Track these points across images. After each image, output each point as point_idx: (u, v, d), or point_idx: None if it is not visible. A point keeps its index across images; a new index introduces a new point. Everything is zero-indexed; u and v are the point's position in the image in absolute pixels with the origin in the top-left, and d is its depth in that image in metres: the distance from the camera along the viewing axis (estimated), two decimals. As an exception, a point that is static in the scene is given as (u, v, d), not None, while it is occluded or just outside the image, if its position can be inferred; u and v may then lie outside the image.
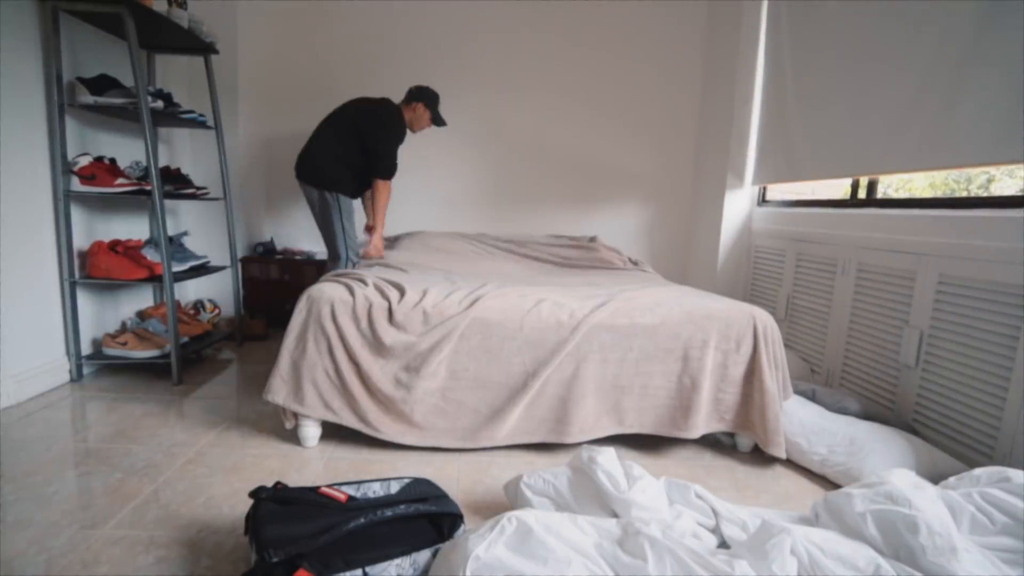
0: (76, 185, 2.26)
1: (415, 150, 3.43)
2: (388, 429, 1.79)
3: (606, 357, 1.84)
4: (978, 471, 1.40)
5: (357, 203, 2.89)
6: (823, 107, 2.52)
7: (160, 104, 2.39)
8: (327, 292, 1.84)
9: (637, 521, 1.19)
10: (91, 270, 2.37)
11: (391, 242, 3.20)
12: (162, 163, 2.83)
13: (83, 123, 2.41)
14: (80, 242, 2.39)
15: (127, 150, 2.65)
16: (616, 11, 3.46)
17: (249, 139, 3.37)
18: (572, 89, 3.54)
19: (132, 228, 2.75)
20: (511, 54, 3.48)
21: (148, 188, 2.33)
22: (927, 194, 2.43)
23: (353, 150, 2.66)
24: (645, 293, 2.08)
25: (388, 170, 2.71)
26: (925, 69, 1.96)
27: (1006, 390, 1.66)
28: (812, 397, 2.14)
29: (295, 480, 1.61)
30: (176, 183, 2.62)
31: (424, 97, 2.78)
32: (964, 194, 2.30)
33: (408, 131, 2.81)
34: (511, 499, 1.46)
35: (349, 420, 1.80)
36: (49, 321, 2.26)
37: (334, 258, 2.73)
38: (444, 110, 2.76)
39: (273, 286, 3.33)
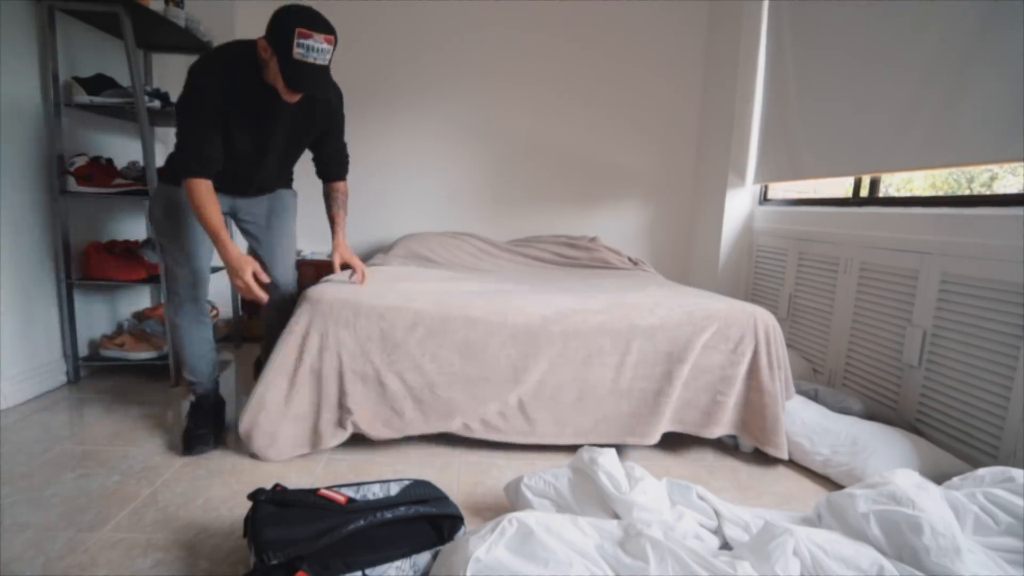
0: (73, 185, 2.25)
1: (415, 149, 3.42)
2: (380, 431, 1.78)
3: (604, 361, 1.82)
4: (982, 471, 1.40)
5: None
6: (825, 105, 2.51)
7: (157, 104, 2.37)
8: (327, 293, 1.83)
9: (639, 522, 1.18)
10: (88, 271, 2.36)
11: (389, 245, 3.19)
12: (159, 163, 2.82)
13: (80, 123, 2.39)
14: (77, 243, 2.37)
15: (124, 150, 2.63)
16: (616, 10, 3.45)
17: (247, 139, 3.35)
18: (573, 88, 3.53)
19: (129, 229, 2.73)
20: (511, 54, 3.47)
21: (146, 188, 2.31)
22: (928, 194, 2.42)
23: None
24: (645, 294, 2.07)
25: (178, 157, 1.66)
26: (927, 67, 1.95)
27: (1010, 389, 1.65)
28: (815, 397, 2.13)
29: (294, 482, 1.59)
30: (174, 183, 2.61)
31: (268, 31, 1.53)
32: (967, 192, 2.29)
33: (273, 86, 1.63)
34: (512, 500, 1.45)
35: (341, 421, 1.78)
36: (46, 322, 2.25)
37: None
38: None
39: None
